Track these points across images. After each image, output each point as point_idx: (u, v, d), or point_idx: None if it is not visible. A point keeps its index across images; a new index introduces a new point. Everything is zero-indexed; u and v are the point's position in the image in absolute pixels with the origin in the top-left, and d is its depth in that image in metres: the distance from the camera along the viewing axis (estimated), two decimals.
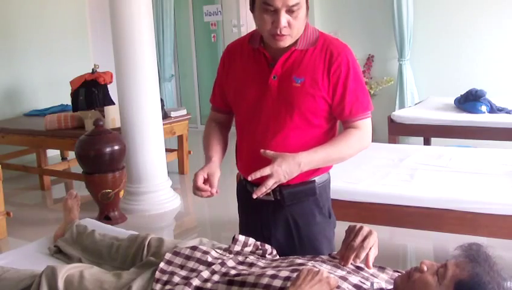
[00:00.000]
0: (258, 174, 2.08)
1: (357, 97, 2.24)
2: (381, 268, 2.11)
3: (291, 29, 2.13)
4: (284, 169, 2.08)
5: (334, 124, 2.35)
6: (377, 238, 2.05)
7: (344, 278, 1.90)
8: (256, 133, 2.29)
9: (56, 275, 2.22)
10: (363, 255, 2.00)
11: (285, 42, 2.17)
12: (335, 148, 2.24)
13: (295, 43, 2.22)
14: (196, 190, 2.22)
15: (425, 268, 1.80)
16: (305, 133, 2.25)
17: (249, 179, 2.09)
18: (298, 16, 2.11)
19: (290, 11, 2.08)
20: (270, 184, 2.08)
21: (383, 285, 1.96)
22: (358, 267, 2.05)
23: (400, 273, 2.06)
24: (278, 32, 2.11)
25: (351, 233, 2.06)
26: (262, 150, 2.16)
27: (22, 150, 7.69)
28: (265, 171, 2.07)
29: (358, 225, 2.07)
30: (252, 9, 2.19)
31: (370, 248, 2.01)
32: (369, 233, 2.03)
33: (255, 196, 2.10)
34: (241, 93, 2.35)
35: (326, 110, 2.26)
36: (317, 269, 1.82)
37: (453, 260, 1.78)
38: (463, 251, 1.80)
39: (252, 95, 2.29)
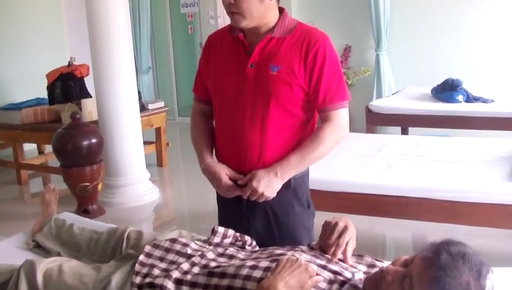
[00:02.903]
0: (244, 195, 2.25)
1: (331, 86, 2.26)
2: (360, 256, 2.12)
3: (239, 8, 2.17)
4: (263, 184, 2.21)
5: (312, 115, 2.36)
6: (354, 230, 2.06)
7: (324, 267, 1.90)
8: (235, 123, 2.31)
9: (35, 269, 2.20)
10: (338, 253, 2.01)
11: (238, 21, 2.22)
12: (308, 150, 2.28)
13: (272, 30, 2.24)
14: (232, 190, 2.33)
15: (390, 279, 1.77)
16: (282, 122, 2.27)
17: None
18: None
19: None
20: (253, 198, 2.25)
21: (362, 276, 1.96)
22: (338, 259, 2.05)
23: (379, 261, 2.07)
24: (227, 10, 2.20)
25: (327, 230, 2.07)
26: (239, 181, 2.28)
27: None
28: (247, 192, 2.24)
29: (334, 220, 2.08)
30: None
31: (347, 243, 2.02)
32: (345, 229, 2.03)
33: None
34: (219, 83, 2.37)
35: (303, 99, 2.27)
36: (295, 258, 1.83)
37: (418, 268, 1.71)
38: (425, 259, 1.72)
39: (230, 84, 2.31)
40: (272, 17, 2.27)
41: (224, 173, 2.33)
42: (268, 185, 2.21)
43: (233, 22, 2.24)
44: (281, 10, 2.32)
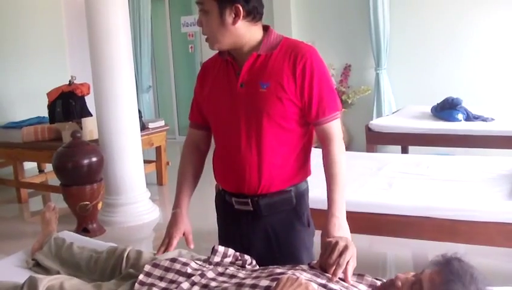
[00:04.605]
0: (338, 270, 2.00)
1: (323, 98, 2.26)
2: (360, 276, 2.11)
3: (206, 33, 2.26)
4: (342, 241, 2.05)
5: (308, 128, 2.36)
6: (355, 250, 2.05)
7: (324, 286, 1.90)
8: (231, 143, 2.32)
9: (37, 286, 2.20)
10: (339, 273, 1.99)
11: (210, 45, 2.30)
12: (340, 181, 2.33)
13: (257, 48, 2.27)
14: (169, 247, 2.42)
15: (399, 284, 1.79)
16: (278, 138, 2.27)
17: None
18: (207, 19, 2.22)
19: (202, 10, 2.23)
20: (347, 260, 2.01)
21: None
22: (339, 278, 2.04)
23: (379, 281, 2.06)
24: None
25: (327, 249, 2.06)
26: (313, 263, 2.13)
27: None
28: (334, 258, 2.01)
29: (334, 239, 2.07)
30: None
31: (347, 262, 2.01)
32: (345, 248, 2.02)
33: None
34: (214, 105, 2.39)
35: (296, 114, 2.28)
36: (296, 277, 1.82)
37: (428, 274, 1.76)
38: (437, 264, 1.77)
39: (224, 105, 2.33)
40: (254, 36, 2.28)
41: (182, 232, 2.48)
42: (344, 238, 2.10)
43: (209, 45, 2.30)
44: (266, 28, 2.34)
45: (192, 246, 2.44)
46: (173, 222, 2.48)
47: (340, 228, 2.21)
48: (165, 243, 2.42)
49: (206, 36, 2.27)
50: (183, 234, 2.48)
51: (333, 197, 2.28)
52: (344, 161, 2.33)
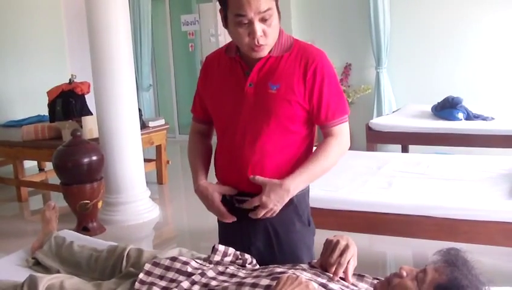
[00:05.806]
0: (250, 205, 2.18)
1: (332, 102, 2.27)
2: (361, 276, 2.12)
3: (267, 38, 2.16)
4: (273, 198, 2.18)
5: (312, 129, 2.37)
6: (356, 249, 2.05)
7: (325, 285, 1.90)
8: (234, 141, 2.31)
9: (37, 284, 2.20)
10: (340, 272, 2.00)
11: (264, 52, 2.20)
12: (317, 164, 2.28)
13: (270, 50, 2.24)
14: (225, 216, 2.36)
15: (404, 273, 1.81)
16: (282, 139, 2.27)
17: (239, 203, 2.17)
18: (272, 23, 2.14)
19: (263, 19, 2.11)
20: (261, 214, 2.19)
21: None
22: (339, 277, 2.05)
23: (379, 280, 2.07)
24: (256, 43, 2.14)
25: (328, 248, 2.06)
26: (251, 177, 2.23)
27: None
28: (255, 202, 2.18)
29: (335, 238, 2.07)
30: (226, 25, 2.24)
31: (348, 261, 2.01)
32: (346, 247, 2.03)
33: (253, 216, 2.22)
34: (218, 102, 2.38)
35: (303, 116, 2.28)
36: (296, 276, 1.82)
37: (432, 265, 1.79)
38: (441, 255, 1.81)
39: (229, 103, 2.31)
40: None
41: (217, 194, 2.34)
42: (278, 201, 2.19)
43: (260, 54, 2.20)
44: None
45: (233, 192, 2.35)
46: (204, 198, 2.39)
47: (277, 197, 2.18)
48: (221, 215, 2.37)
49: (261, 44, 2.16)
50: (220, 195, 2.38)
51: (301, 173, 2.24)
52: (334, 156, 2.32)
